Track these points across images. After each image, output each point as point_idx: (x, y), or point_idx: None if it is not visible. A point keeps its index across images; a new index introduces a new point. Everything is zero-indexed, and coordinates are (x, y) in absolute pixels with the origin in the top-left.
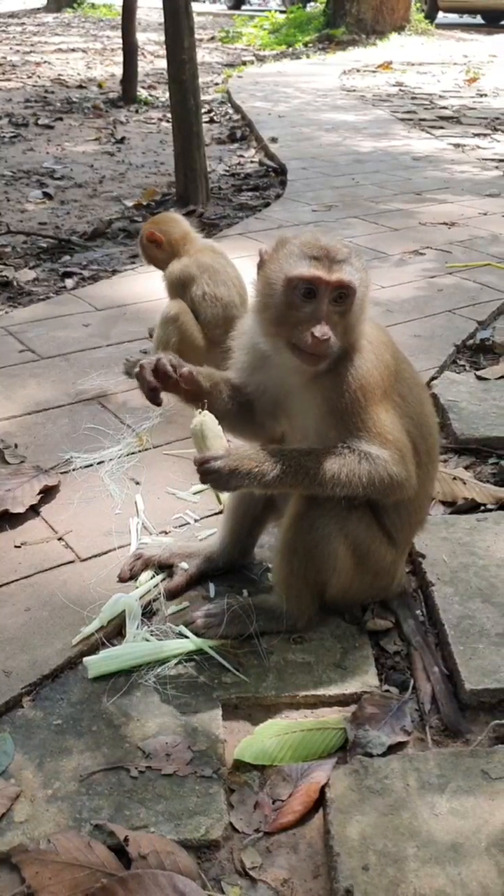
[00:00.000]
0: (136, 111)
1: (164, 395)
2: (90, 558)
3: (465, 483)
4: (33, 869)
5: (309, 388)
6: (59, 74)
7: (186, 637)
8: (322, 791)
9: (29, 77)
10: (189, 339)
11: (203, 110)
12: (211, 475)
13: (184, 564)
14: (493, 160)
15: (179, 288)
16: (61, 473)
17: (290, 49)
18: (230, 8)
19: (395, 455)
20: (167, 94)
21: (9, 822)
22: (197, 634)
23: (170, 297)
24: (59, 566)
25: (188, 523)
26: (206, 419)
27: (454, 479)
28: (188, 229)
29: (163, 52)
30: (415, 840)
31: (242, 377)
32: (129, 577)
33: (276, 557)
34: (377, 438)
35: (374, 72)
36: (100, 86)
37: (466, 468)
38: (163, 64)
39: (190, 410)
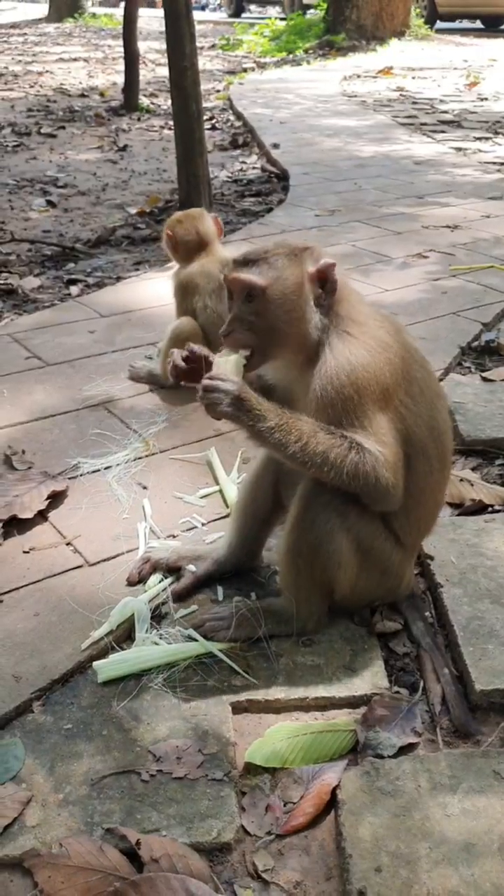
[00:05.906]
0: (138, 119)
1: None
2: (98, 563)
3: (472, 484)
4: (45, 873)
5: (298, 380)
6: (61, 83)
7: (195, 640)
8: (333, 793)
9: (31, 86)
10: None
11: (205, 117)
12: (214, 393)
13: (191, 567)
14: (494, 163)
15: (181, 293)
16: (69, 479)
17: (291, 56)
18: (230, 16)
19: (389, 458)
20: (169, 102)
21: (20, 826)
22: (206, 637)
23: (175, 300)
24: (67, 571)
25: (195, 527)
26: (233, 357)
27: (461, 480)
28: (207, 231)
29: (164, 60)
30: (427, 841)
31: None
32: (137, 580)
33: (281, 561)
34: (373, 436)
35: (374, 77)
36: (101, 94)
37: (473, 469)
38: (164, 72)
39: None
